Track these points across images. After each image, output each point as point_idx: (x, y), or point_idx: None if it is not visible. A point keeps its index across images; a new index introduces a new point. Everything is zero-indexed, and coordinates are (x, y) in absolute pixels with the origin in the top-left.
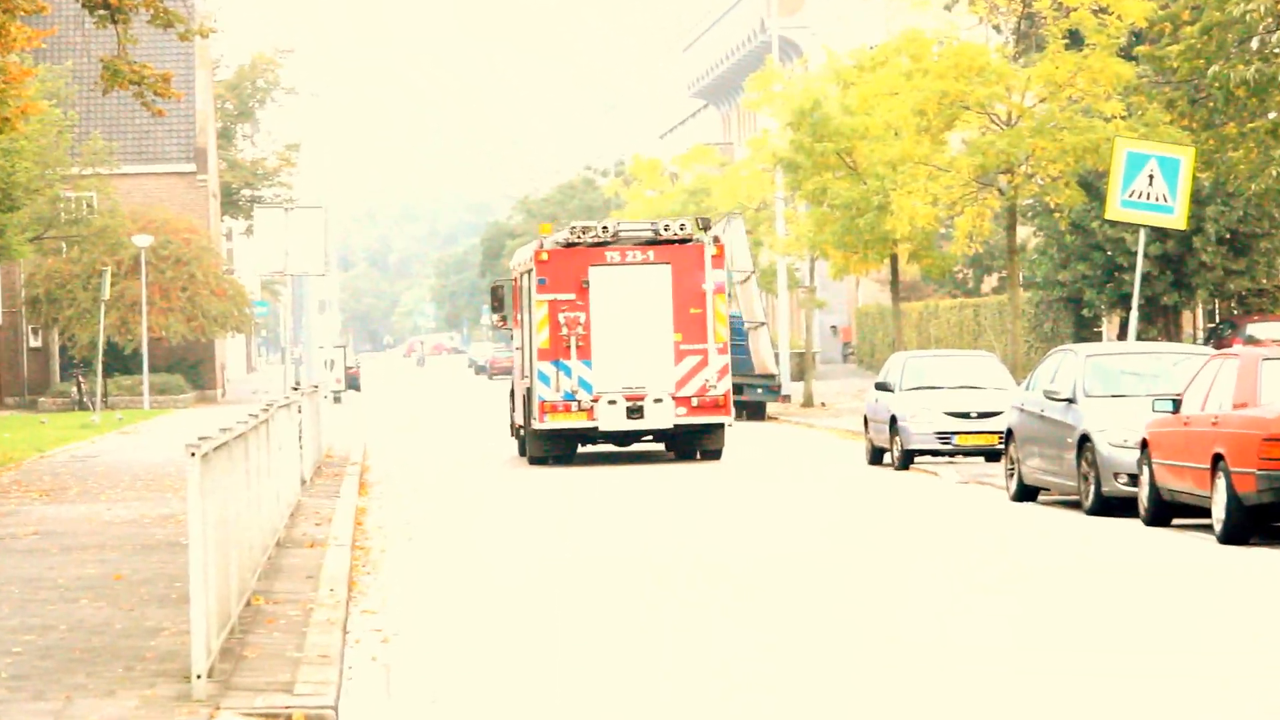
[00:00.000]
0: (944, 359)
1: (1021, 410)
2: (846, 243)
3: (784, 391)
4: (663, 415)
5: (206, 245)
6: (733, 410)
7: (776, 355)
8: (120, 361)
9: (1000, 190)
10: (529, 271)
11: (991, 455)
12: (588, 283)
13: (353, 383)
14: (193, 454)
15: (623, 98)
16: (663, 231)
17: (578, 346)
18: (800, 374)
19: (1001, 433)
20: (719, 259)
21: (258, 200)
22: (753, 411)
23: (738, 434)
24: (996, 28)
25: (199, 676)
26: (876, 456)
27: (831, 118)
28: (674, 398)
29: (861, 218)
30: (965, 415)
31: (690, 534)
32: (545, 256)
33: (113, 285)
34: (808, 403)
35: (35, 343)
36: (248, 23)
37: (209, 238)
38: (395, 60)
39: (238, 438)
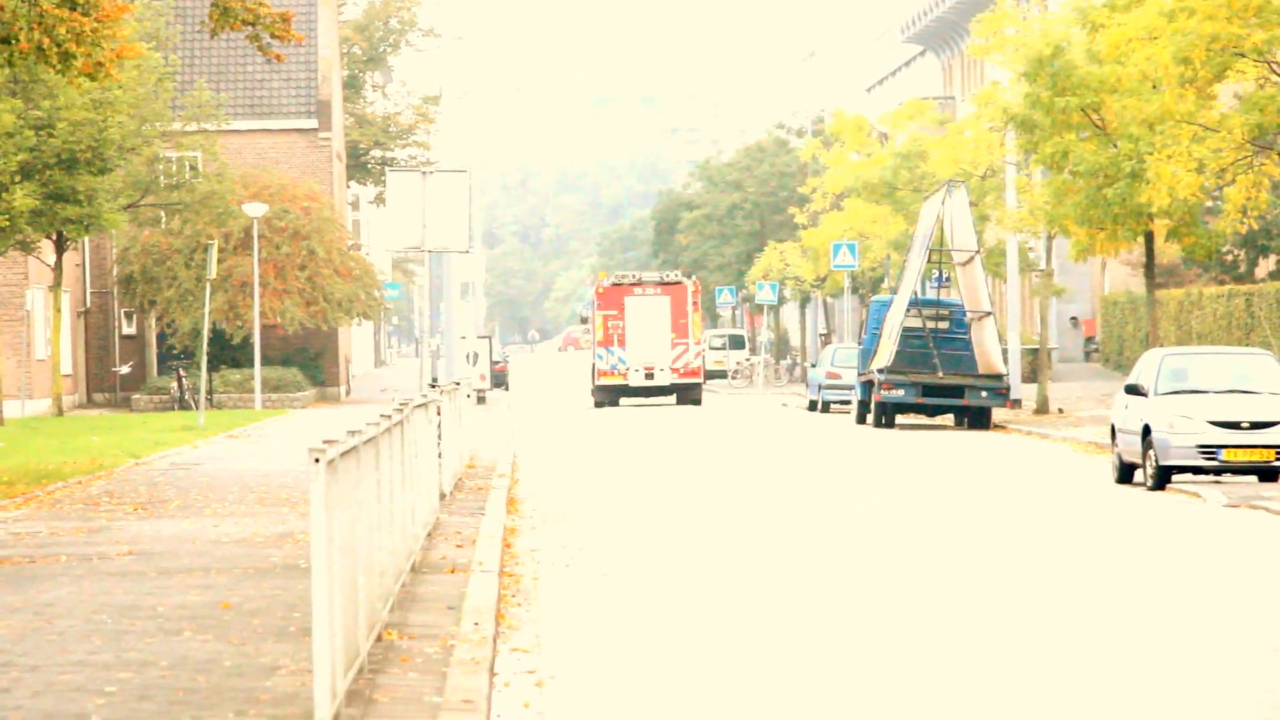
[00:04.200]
0: (1209, 357)
1: None
2: (1091, 217)
3: (1013, 395)
4: (665, 378)
5: (329, 216)
6: (703, 375)
7: (1005, 352)
8: (228, 352)
9: None
10: (594, 300)
11: (1266, 474)
12: (624, 305)
13: (499, 380)
14: (317, 460)
15: (822, 43)
16: (666, 278)
17: (618, 340)
18: (1033, 374)
19: (1279, 447)
20: (696, 293)
21: (390, 163)
22: (975, 419)
23: (954, 445)
24: None
25: None
26: (1125, 474)
27: (1076, 67)
28: (671, 369)
29: (1110, 187)
30: (1235, 425)
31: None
32: (601, 290)
33: (220, 262)
34: (1042, 409)
35: (129, 329)
36: None
37: (332, 207)
38: None
39: (368, 442)
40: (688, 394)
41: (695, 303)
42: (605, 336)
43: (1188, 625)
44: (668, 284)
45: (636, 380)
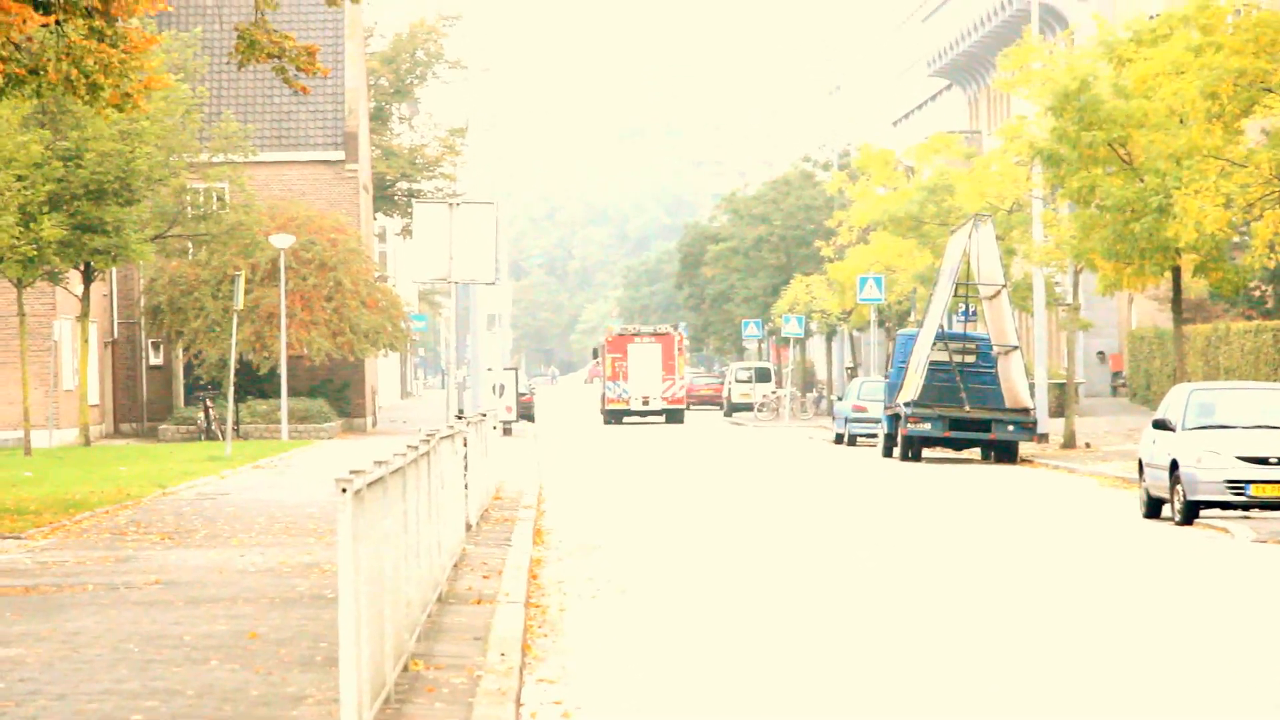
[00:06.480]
0: (1237, 392)
1: None
2: (1118, 252)
3: (1040, 430)
4: (656, 404)
5: (356, 247)
6: (685, 403)
7: (1031, 386)
8: (254, 383)
9: None
10: (604, 345)
11: None
12: (627, 350)
13: (525, 412)
14: (344, 490)
15: (848, 77)
16: (659, 330)
17: (623, 376)
18: (1060, 409)
19: None
20: (682, 341)
21: (416, 194)
22: (1001, 453)
23: (981, 479)
24: None
25: None
26: (1153, 509)
27: (1103, 101)
28: (662, 398)
29: (1137, 222)
30: (1263, 461)
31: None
32: (611, 338)
33: (247, 293)
34: (1069, 443)
35: (156, 360)
36: None
37: (359, 238)
38: (580, 31)
39: (395, 473)
40: (674, 416)
41: (681, 348)
42: (613, 373)
43: (1216, 663)
44: (660, 334)
45: (636, 406)
